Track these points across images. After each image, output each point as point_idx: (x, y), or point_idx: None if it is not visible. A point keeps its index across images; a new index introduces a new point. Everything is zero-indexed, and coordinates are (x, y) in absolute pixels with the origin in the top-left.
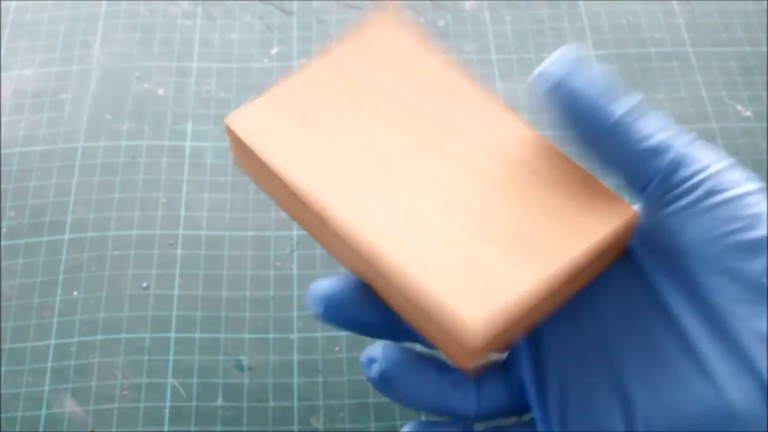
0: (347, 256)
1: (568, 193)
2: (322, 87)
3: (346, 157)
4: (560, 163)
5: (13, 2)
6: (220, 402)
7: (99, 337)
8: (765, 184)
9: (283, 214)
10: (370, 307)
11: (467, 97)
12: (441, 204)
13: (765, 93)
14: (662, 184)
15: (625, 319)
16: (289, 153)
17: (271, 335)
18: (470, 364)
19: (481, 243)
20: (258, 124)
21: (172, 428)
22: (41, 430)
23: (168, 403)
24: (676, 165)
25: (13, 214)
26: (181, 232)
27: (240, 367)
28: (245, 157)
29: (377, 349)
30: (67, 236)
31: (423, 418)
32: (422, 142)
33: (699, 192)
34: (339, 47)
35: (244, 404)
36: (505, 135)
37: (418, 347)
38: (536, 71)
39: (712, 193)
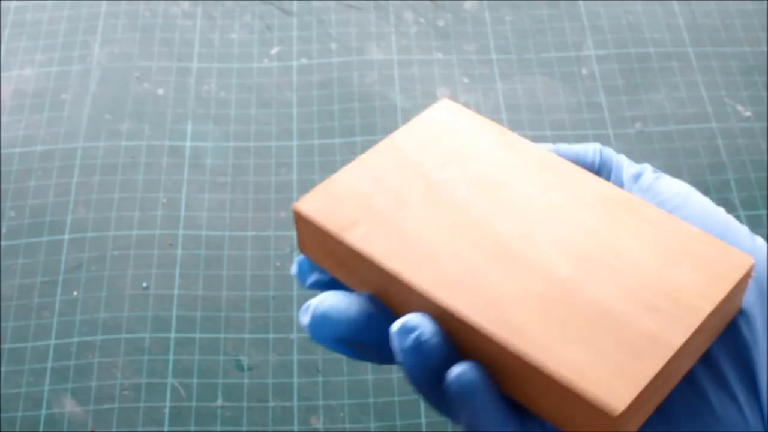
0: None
1: (680, 242)
2: (388, 170)
3: (436, 235)
4: (654, 214)
5: (13, 2)
6: (220, 402)
7: (99, 337)
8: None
9: (283, 214)
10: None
11: (540, 158)
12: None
13: (765, 93)
14: None
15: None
16: (374, 237)
17: (271, 335)
18: None
19: (613, 306)
20: (331, 207)
21: (172, 428)
22: (41, 430)
23: (168, 403)
24: None
25: (13, 214)
26: (181, 232)
27: (240, 367)
28: (319, 242)
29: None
30: (67, 236)
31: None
32: (508, 206)
33: None
34: (399, 132)
35: (244, 404)
36: (596, 189)
37: None
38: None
39: None
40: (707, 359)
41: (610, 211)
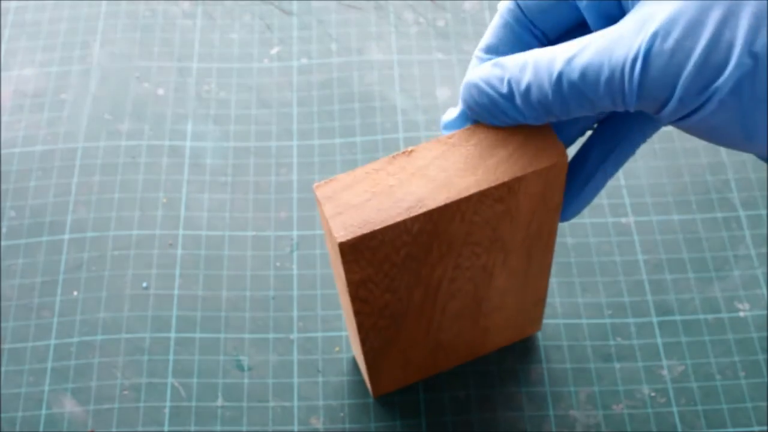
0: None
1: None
2: None
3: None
4: None
5: (13, 2)
6: (220, 402)
7: (99, 337)
8: None
9: (283, 214)
10: None
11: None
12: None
13: None
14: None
15: None
16: None
17: (271, 335)
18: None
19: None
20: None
21: (172, 428)
22: (41, 430)
23: (168, 403)
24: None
25: (13, 214)
26: (181, 232)
27: (240, 367)
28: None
29: None
30: (67, 236)
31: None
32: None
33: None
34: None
35: (244, 404)
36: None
37: None
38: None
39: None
40: None
41: None
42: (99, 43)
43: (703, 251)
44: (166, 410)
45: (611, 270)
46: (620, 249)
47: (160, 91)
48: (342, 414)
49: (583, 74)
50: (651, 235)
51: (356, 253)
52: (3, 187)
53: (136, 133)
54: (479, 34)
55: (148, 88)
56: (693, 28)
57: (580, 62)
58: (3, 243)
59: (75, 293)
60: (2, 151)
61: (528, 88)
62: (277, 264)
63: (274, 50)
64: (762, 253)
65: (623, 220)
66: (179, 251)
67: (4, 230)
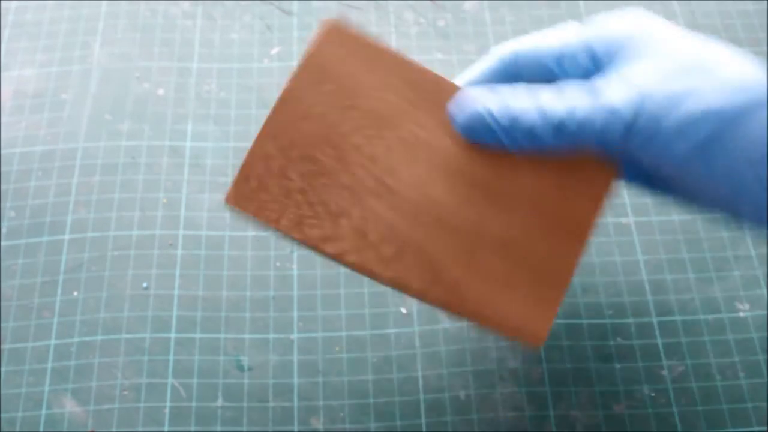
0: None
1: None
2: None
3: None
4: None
5: (13, 2)
6: (220, 402)
7: (99, 337)
8: None
9: None
10: None
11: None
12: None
13: None
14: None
15: None
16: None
17: (271, 335)
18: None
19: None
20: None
21: (172, 428)
22: (41, 430)
23: (168, 403)
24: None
25: (13, 214)
26: (181, 232)
27: (240, 367)
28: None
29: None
30: (67, 236)
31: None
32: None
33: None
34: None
35: (244, 404)
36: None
37: None
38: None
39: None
40: None
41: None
42: (99, 43)
43: (703, 251)
44: (166, 410)
45: (611, 270)
46: (620, 249)
47: (161, 91)
48: (342, 414)
49: (581, 125)
50: (651, 235)
51: (339, 34)
52: (3, 187)
53: (136, 133)
54: (479, 34)
55: (148, 88)
56: (673, 100)
57: (578, 115)
58: (3, 243)
59: (75, 293)
60: (2, 151)
61: (525, 125)
62: (277, 264)
63: (274, 50)
64: (762, 254)
65: (623, 220)
66: (179, 251)
67: (4, 230)
